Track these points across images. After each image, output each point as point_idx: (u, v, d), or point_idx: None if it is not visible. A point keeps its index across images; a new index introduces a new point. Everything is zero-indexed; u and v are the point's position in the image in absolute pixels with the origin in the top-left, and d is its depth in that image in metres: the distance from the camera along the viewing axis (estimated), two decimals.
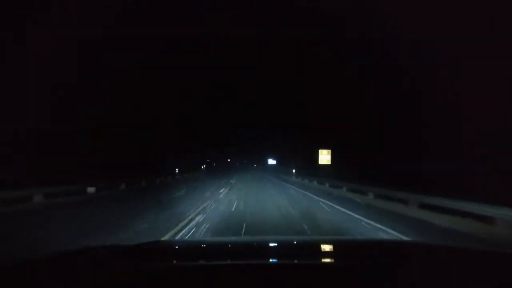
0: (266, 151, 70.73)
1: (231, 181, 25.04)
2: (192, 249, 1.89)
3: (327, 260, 1.53)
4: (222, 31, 29.53)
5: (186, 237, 5.75)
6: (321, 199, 12.47)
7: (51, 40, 14.53)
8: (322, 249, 1.95)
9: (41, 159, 13.66)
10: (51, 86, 14.76)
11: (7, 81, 12.91)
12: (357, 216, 8.39)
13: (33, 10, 13.79)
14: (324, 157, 26.95)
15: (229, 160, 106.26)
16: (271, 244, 2.17)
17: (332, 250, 1.92)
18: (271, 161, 65.33)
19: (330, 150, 26.91)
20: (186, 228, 6.47)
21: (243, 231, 6.24)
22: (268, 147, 64.81)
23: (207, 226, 6.73)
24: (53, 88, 14.88)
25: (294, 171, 32.33)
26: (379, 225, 7.04)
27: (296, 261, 1.52)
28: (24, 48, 13.77)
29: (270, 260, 1.55)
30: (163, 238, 5.30)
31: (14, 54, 13.37)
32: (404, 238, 5.79)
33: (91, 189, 13.10)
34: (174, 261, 1.50)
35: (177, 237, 5.77)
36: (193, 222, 7.14)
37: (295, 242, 2.30)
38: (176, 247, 2.03)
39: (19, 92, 13.66)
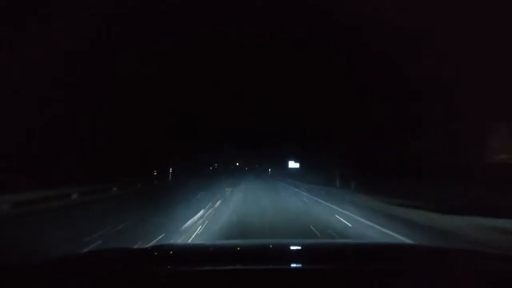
0: (278, 153, 53.43)
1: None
2: (195, 253, 1.89)
3: (334, 264, 1.55)
4: (233, 30, 29.59)
5: None
6: None
7: (50, 40, 14.58)
8: (330, 253, 1.93)
9: (39, 160, 13.72)
10: (51, 85, 14.83)
11: (7, 80, 12.98)
12: None
13: (37, 6, 13.89)
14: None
15: (237, 164, 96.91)
16: (277, 248, 2.15)
17: (340, 254, 1.91)
18: (293, 164, 45.50)
19: None
20: None
21: None
22: (286, 149, 47.92)
23: None
24: (53, 87, 14.96)
25: None
26: None
27: (304, 266, 1.51)
28: (25, 45, 13.83)
29: (276, 266, 1.52)
30: None
31: (17, 50, 13.42)
32: None
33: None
34: (178, 266, 1.51)
35: None
36: None
37: (303, 246, 2.27)
38: (179, 251, 2.03)
39: (19, 92, 13.71)
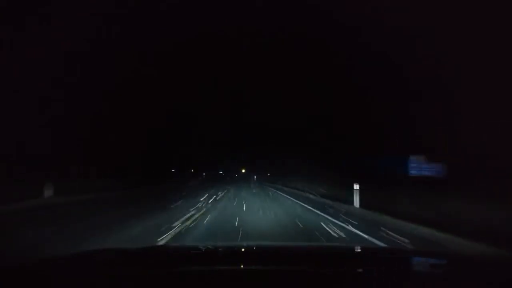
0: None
1: None
2: (186, 254, 1.89)
3: (320, 267, 1.54)
4: (233, 31, 29.48)
5: None
6: None
7: (50, 40, 14.59)
8: (315, 256, 1.93)
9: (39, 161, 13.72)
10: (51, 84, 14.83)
11: (7, 80, 12.98)
12: None
13: (37, 6, 13.89)
14: None
15: (243, 170, 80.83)
16: (265, 250, 2.15)
17: (326, 257, 1.89)
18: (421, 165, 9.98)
19: None
20: None
21: None
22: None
23: None
24: (53, 87, 14.95)
25: None
26: None
27: (290, 267, 1.51)
28: (25, 45, 13.83)
29: (264, 267, 1.53)
30: None
31: (17, 50, 13.42)
32: None
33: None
34: (170, 267, 1.51)
35: None
36: None
37: (291, 248, 2.30)
38: (172, 251, 2.04)
39: (19, 92, 13.71)
